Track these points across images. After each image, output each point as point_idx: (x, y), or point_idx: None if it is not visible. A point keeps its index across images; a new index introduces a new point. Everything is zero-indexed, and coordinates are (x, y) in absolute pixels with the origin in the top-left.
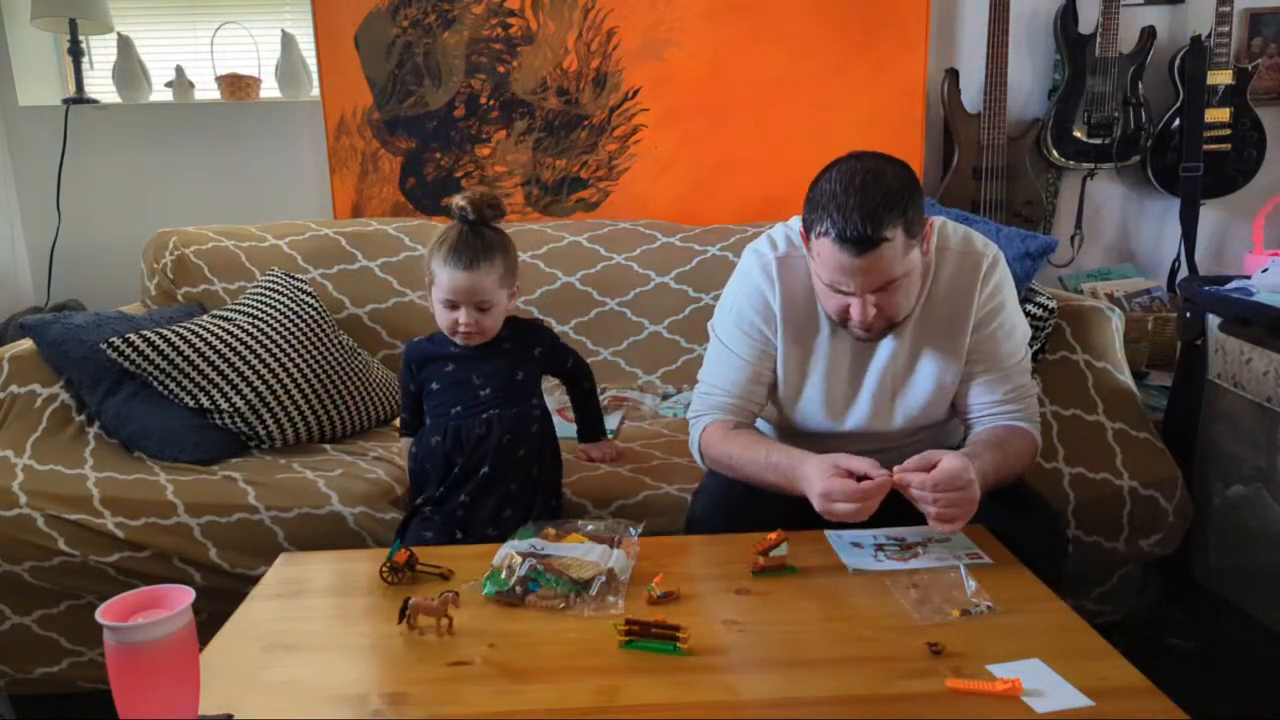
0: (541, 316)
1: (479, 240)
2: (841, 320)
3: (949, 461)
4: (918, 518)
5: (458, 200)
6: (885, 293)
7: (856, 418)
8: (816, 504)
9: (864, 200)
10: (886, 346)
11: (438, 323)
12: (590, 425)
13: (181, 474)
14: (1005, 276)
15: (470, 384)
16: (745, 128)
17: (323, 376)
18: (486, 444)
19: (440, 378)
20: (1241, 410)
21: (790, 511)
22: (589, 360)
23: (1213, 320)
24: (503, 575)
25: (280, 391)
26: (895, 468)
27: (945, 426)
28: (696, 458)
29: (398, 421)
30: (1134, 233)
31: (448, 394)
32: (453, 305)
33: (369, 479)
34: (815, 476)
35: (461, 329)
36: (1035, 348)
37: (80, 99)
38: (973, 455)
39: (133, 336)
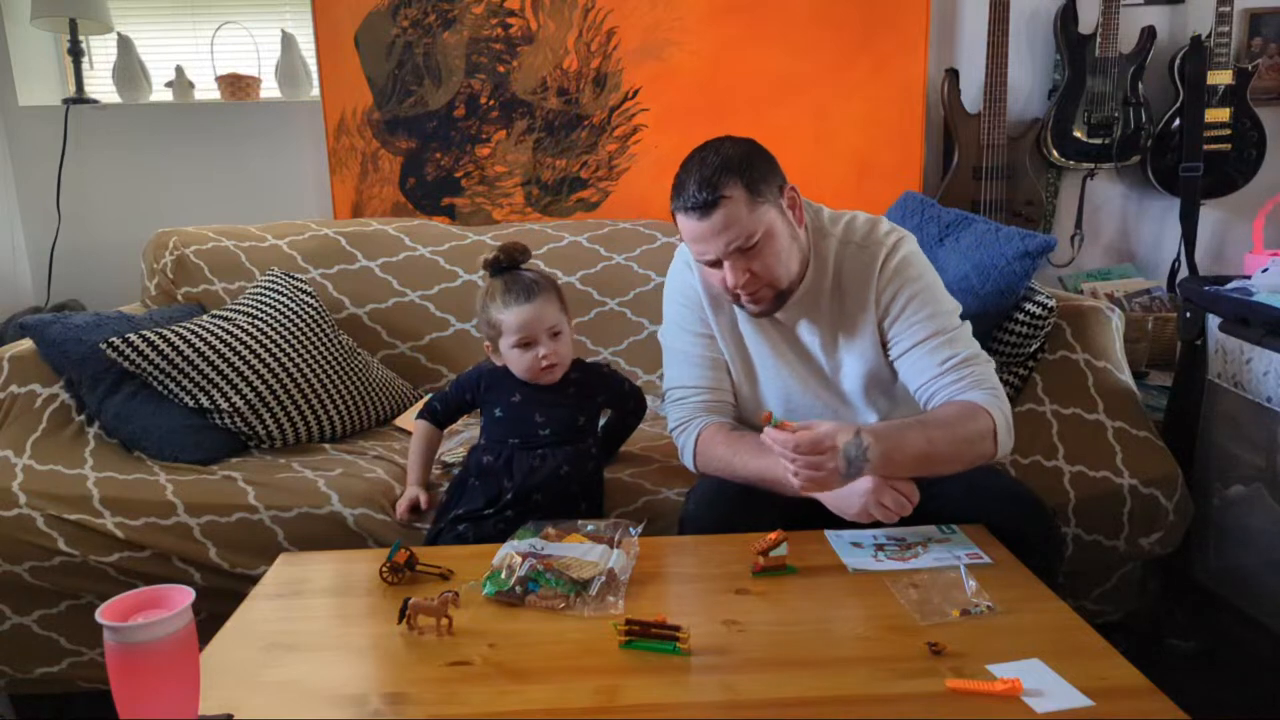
0: None
1: (525, 276)
2: (732, 297)
3: (820, 428)
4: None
5: (486, 255)
6: (749, 256)
7: (809, 404)
8: (866, 497)
9: (700, 169)
10: (805, 332)
11: (517, 370)
12: (611, 451)
13: (181, 474)
14: (907, 260)
15: (532, 421)
16: (745, 128)
17: (323, 376)
18: (540, 472)
19: (504, 407)
20: (1241, 410)
21: (785, 510)
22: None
23: (1213, 320)
24: (503, 575)
25: (280, 391)
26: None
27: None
28: (689, 465)
29: (411, 415)
30: (1134, 233)
31: (508, 425)
32: (527, 344)
33: (369, 479)
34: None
35: (546, 361)
36: (1035, 347)
37: (80, 99)
38: (874, 429)
39: (133, 336)
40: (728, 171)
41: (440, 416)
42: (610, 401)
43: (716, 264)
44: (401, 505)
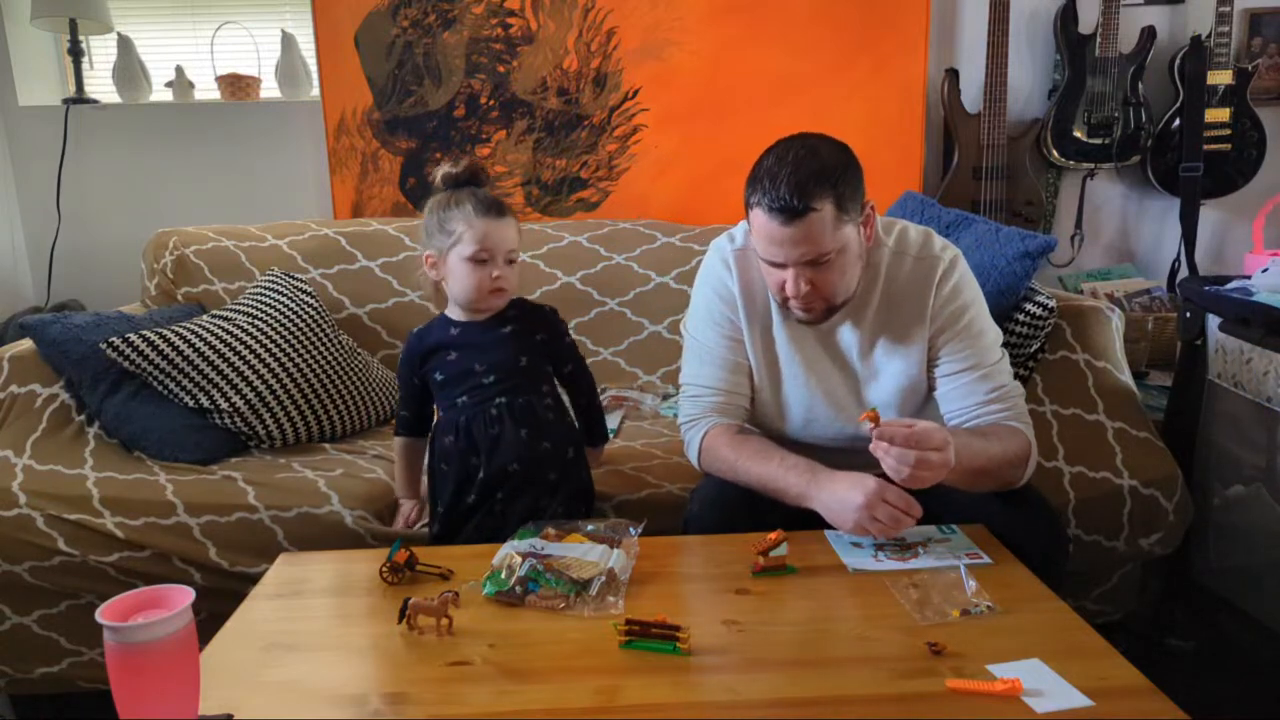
0: None
1: (493, 195)
2: (782, 300)
3: (920, 424)
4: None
5: (447, 169)
6: (818, 269)
7: (830, 417)
8: (859, 512)
9: (795, 172)
10: (845, 337)
11: (461, 288)
12: (594, 436)
13: (181, 474)
14: (964, 279)
15: (474, 372)
16: (745, 128)
17: (322, 376)
18: (503, 439)
19: (443, 368)
20: (1241, 410)
21: (789, 512)
22: (589, 360)
23: (1213, 320)
24: (503, 575)
25: (280, 391)
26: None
27: None
28: (694, 463)
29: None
30: (1134, 233)
31: (452, 385)
32: (483, 261)
33: (369, 479)
34: (856, 483)
35: (498, 283)
36: (1035, 347)
37: (80, 99)
38: (953, 431)
39: (133, 336)
40: (823, 182)
41: (414, 422)
42: (550, 346)
43: (780, 266)
44: (399, 523)
